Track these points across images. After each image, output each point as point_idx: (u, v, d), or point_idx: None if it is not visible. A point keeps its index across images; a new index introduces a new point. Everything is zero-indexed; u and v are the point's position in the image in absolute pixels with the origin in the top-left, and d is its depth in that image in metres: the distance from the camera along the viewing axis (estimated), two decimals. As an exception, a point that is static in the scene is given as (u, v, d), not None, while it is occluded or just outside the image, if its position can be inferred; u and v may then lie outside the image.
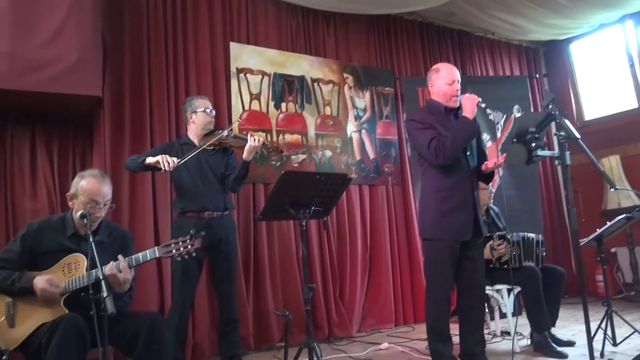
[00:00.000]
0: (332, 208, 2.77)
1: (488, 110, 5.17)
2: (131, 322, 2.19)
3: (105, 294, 1.91)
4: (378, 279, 4.63)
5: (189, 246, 2.23)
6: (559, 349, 3.23)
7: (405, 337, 4.11)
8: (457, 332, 2.85)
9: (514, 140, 2.37)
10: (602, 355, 3.05)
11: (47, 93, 3.00)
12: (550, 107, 2.37)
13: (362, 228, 4.63)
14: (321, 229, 4.32)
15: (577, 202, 5.65)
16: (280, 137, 4.32)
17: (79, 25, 3.10)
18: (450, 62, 5.33)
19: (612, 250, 5.38)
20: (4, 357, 1.61)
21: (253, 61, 4.29)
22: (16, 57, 2.90)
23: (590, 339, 2.25)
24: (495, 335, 3.85)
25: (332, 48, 4.81)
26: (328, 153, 4.56)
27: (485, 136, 5.14)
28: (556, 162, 2.34)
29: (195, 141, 3.19)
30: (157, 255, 2.23)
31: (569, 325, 4.08)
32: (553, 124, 2.85)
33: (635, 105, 5.50)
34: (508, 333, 3.77)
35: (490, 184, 3.80)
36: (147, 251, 2.25)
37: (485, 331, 3.74)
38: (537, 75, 6.12)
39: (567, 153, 2.28)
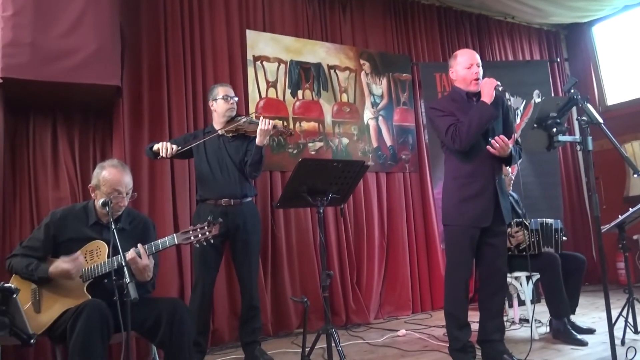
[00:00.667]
0: (349, 195, 2.77)
1: (507, 96, 5.08)
2: (153, 307, 2.23)
3: (127, 280, 1.95)
4: (395, 266, 4.63)
5: (207, 233, 2.25)
6: (579, 336, 3.21)
7: (422, 324, 4.12)
8: (476, 319, 2.85)
9: (535, 125, 2.33)
10: (622, 343, 3.02)
11: (68, 83, 3.04)
12: (572, 91, 2.32)
13: (379, 215, 4.63)
14: (338, 216, 4.33)
15: (599, 189, 5.55)
16: (297, 124, 4.32)
17: (98, 16, 3.13)
18: (468, 47, 5.30)
19: (634, 237, 5.28)
20: (32, 341, 1.65)
21: (269, 49, 4.28)
22: (37, 48, 2.94)
23: (611, 327, 2.23)
24: (513, 323, 3.83)
25: (348, 34, 4.77)
26: (345, 140, 4.54)
27: (504, 122, 5.06)
28: (578, 147, 2.28)
29: (218, 127, 3.22)
30: (176, 242, 2.26)
31: (589, 313, 4.04)
32: (574, 109, 2.79)
33: (660, 90, 5.37)
34: (527, 320, 3.75)
35: (510, 170, 3.76)
36: (167, 238, 2.28)
37: (504, 318, 3.74)
38: (558, 60, 6.01)
39: (589, 138, 2.23)
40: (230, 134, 3.15)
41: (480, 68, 2.79)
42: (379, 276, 4.54)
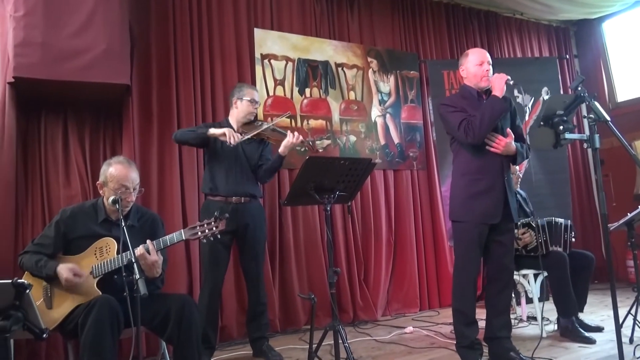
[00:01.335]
0: (356, 193, 2.78)
1: (516, 93, 5.07)
2: (162, 303, 2.26)
3: (137, 276, 1.98)
4: (403, 264, 4.64)
5: (214, 228, 2.28)
6: (587, 334, 3.20)
7: (430, 321, 4.12)
8: (483, 317, 2.85)
9: (541, 123, 2.33)
10: (631, 341, 3.01)
11: (78, 82, 3.08)
12: (579, 88, 2.31)
13: (386, 213, 4.64)
14: (346, 213, 4.35)
15: (608, 186, 5.52)
16: (305, 122, 4.34)
17: (107, 15, 3.16)
18: (477, 44, 5.29)
19: (644, 235, 5.24)
20: (44, 335, 1.69)
21: (277, 47, 4.30)
22: (48, 47, 2.98)
23: (618, 324, 2.22)
24: (521, 321, 3.83)
25: (356, 32, 4.78)
26: (352, 138, 4.55)
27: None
28: (585, 145, 2.28)
29: (235, 126, 3.24)
30: (184, 238, 2.29)
31: (597, 311, 4.03)
32: (585, 107, 2.78)
33: (671, 86, 5.31)
34: (534, 318, 3.74)
35: (518, 168, 3.75)
36: (174, 234, 2.31)
37: (512, 316, 3.74)
38: (568, 56, 5.96)
39: (597, 136, 2.23)
40: (249, 136, 3.16)
41: (491, 66, 2.80)
42: (386, 273, 4.55)
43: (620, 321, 3.04)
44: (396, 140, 4.78)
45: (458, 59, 3.04)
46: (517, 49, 5.71)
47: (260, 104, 4.09)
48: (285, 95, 4.30)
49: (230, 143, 2.97)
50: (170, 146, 3.69)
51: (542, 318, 3.36)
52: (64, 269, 2.20)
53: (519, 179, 3.77)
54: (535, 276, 3.56)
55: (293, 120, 4.27)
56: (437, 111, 3.16)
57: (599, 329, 3.39)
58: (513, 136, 2.71)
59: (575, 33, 6.23)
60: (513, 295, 4.01)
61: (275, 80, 4.27)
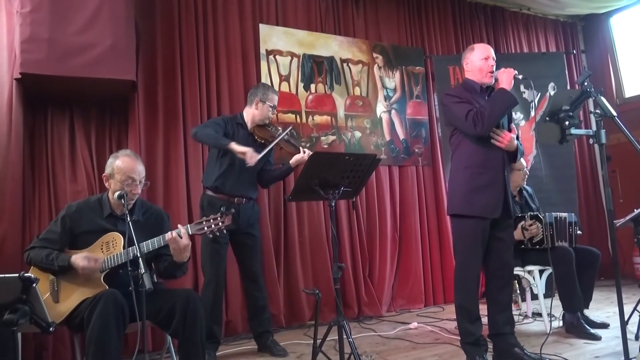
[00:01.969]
0: (361, 188, 2.78)
1: (522, 88, 5.04)
2: (167, 298, 2.27)
3: (142, 270, 1.99)
4: (408, 260, 4.64)
5: (220, 223, 2.29)
6: (592, 330, 3.19)
7: (434, 317, 4.13)
8: (484, 312, 2.85)
9: (547, 118, 2.31)
10: (637, 337, 3.00)
11: (84, 78, 3.10)
12: (585, 84, 2.30)
13: (391, 208, 4.63)
14: (350, 209, 4.35)
15: (615, 183, 5.49)
16: (310, 118, 4.34)
17: (113, 12, 3.18)
18: (483, 39, 5.27)
19: (652, 231, 5.21)
20: (51, 329, 1.71)
21: (282, 42, 4.30)
22: (54, 44, 3.00)
23: (623, 321, 2.21)
24: (526, 317, 3.82)
25: (361, 28, 4.77)
26: (357, 134, 4.55)
27: (519, 115, 5.02)
28: (591, 140, 2.27)
29: (249, 125, 3.27)
30: (190, 233, 2.30)
31: (603, 308, 4.01)
32: (591, 102, 2.76)
33: (680, 81, 5.26)
34: (539, 314, 3.74)
35: (525, 164, 3.74)
36: (181, 228, 2.32)
37: (517, 312, 3.74)
38: (575, 52, 5.92)
39: (603, 131, 2.21)
40: (263, 141, 3.20)
41: (495, 62, 2.79)
42: (391, 269, 4.55)
43: (626, 318, 3.05)
44: (401, 136, 4.77)
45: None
46: (524, 44, 5.68)
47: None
48: (290, 91, 4.30)
49: (249, 164, 2.99)
50: (175, 142, 3.70)
51: (549, 314, 3.36)
52: (79, 258, 2.21)
53: (526, 175, 3.75)
54: (541, 272, 3.55)
55: (298, 116, 4.27)
56: (440, 101, 3.13)
57: (604, 326, 3.38)
58: (516, 133, 2.70)
59: (583, 28, 6.18)
60: (518, 291, 4.02)
61: (280, 76, 4.27)
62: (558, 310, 3.55)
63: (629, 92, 5.78)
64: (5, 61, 3.15)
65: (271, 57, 4.24)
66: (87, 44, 3.09)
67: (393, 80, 4.83)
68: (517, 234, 3.38)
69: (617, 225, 3.34)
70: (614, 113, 2.21)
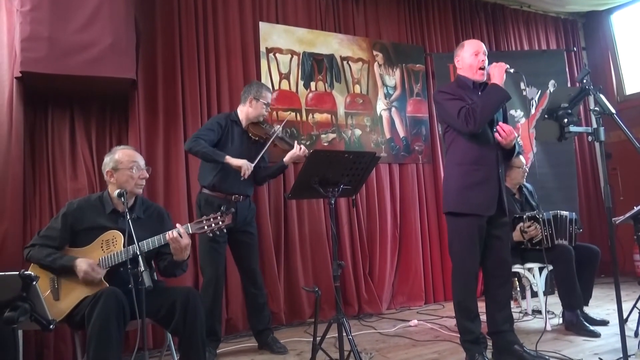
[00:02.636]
0: (360, 186, 2.78)
1: (523, 86, 5.04)
2: (167, 295, 2.28)
3: (142, 268, 2.00)
4: (408, 257, 4.65)
5: (220, 222, 2.29)
6: (591, 327, 3.20)
7: (434, 314, 4.13)
8: (482, 310, 2.85)
9: (546, 116, 2.31)
10: (636, 334, 3.01)
11: (84, 76, 3.11)
12: (585, 81, 2.30)
13: (391, 206, 4.64)
14: (351, 206, 4.35)
15: (616, 180, 5.49)
16: (310, 116, 4.34)
17: (113, 9, 3.18)
18: (483, 37, 5.26)
19: (652, 229, 5.21)
20: (51, 326, 1.72)
21: (282, 41, 4.30)
22: (55, 42, 3.01)
23: (621, 318, 2.21)
24: (526, 314, 3.83)
25: (361, 25, 4.77)
26: (358, 132, 4.55)
27: (519, 113, 5.02)
28: (590, 138, 2.27)
29: (244, 123, 3.29)
30: (190, 232, 2.31)
31: (603, 305, 4.02)
32: (592, 100, 2.76)
33: (681, 78, 5.25)
34: (539, 312, 3.74)
35: (524, 162, 3.74)
36: (180, 228, 2.32)
37: (517, 310, 3.74)
38: (575, 49, 5.91)
39: (602, 129, 2.21)
40: (256, 137, 3.23)
41: (486, 57, 2.77)
42: (391, 267, 4.56)
43: (626, 315, 3.06)
44: (402, 134, 4.78)
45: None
46: (524, 42, 5.67)
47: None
48: (290, 89, 4.30)
49: (244, 177, 3.03)
50: (176, 140, 3.71)
51: (547, 312, 3.36)
52: (83, 262, 2.23)
53: (525, 173, 3.75)
54: (540, 270, 3.55)
55: (298, 114, 4.28)
56: (434, 99, 3.11)
57: (604, 323, 3.38)
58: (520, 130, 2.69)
59: (584, 25, 6.17)
60: (518, 289, 4.02)
61: (280, 74, 4.27)
62: (558, 308, 3.55)
63: (629, 89, 5.76)
64: (6, 60, 3.16)
65: (271, 55, 4.24)
66: (87, 42, 3.09)
67: (393, 78, 4.83)
68: (517, 236, 3.38)
69: (617, 222, 3.35)
70: (613, 110, 2.21)
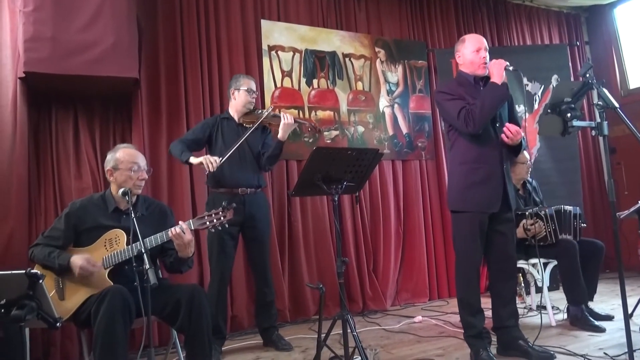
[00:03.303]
0: (364, 183, 2.78)
1: (526, 81, 5.02)
2: (173, 293, 2.29)
3: (147, 266, 2.01)
4: (412, 253, 4.65)
5: (222, 218, 2.30)
6: (596, 322, 3.20)
7: (439, 310, 4.14)
8: (488, 306, 2.85)
9: (549, 110, 2.30)
10: (641, 329, 3.00)
11: (87, 76, 3.11)
12: (587, 75, 2.29)
13: (395, 203, 4.64)
14: (354, 203, 4.36)
15: (620, 175, 5.47)
16: (313, 113, 4.34)
17: (115, 9, 3.19)
18: (485, 32, 5.24)
19: (657, 223, 5.19)
20: (58, 324, 1.73)
21: (284, 38, 4.30)
22: (58, 42, 3.02)
23: (626, 313, 2.21)
24: (530, 309, 3.83)
25: (363, 22, 4.76)
26: (360, 129, 4.55)
27: (522, 108, 5.01)
28: (593, 132, 2.26)
29: (236, 117, 3.30)
30: (192, 228, 2.32)
31: (608, 300, 4.01)
32: (595, 94, 2.74)
33: (685, 72, 5.22)
34: (544, 307, 3.74)
35: (529, 157, 3.73)
36: (182, 224, 2.33)
37: (521, 305, 3.74)
38: (578, 43, 5.88)
39: (605, 123, 2.20)
40: (251, 125, 3.21)
41: (487, 53, 2.76)
42: (395, 263, 4.56)
43: (631, 310, 3.05)
44: (404, 130, 4.77)
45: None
46: (527, 37, 5.65)
47: (267, 96, 4.13)
48: (292, 86, 4.30)
49: (209, 170, 3.01)
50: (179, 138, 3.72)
51: (552, 307, 3.36)
52: (78, 258, 2.24)
53: (530, 169, 3.74)
54: (545, 265, 3.55)
55: (301, 112, 4.28)
56: (434, 99, 3.09)
57: (609, 318, 3.38)
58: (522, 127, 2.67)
59: (587, 19, 6.14)
60: (522, 284, 4.02)
61: (282, 71, 4.27)
62: (562, 303, 3.55)
63: (633, 83, 5.74)
64: (9, 60, 3.17)
65: (273, 52, 4.24)
66: (89, 42, 3.10)
67: (395, 74, 4.82)
68: (520, 233, 3.37)
69: (621, 216, 3.34)
70: (616, 104, 2.20)
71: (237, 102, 3.30)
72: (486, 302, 2.78)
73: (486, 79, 2.74)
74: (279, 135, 3.17)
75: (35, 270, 1.73)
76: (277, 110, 3.73)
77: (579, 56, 5.88)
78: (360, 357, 2.38)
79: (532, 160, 4.56)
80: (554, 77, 5.11)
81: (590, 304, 3.44)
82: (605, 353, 2.67)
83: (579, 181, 5.13)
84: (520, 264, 3.52)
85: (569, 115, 2.21)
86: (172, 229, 2.28)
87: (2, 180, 3.05)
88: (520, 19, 5.65)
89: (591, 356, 2.65)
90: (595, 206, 5.67)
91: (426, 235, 4.73)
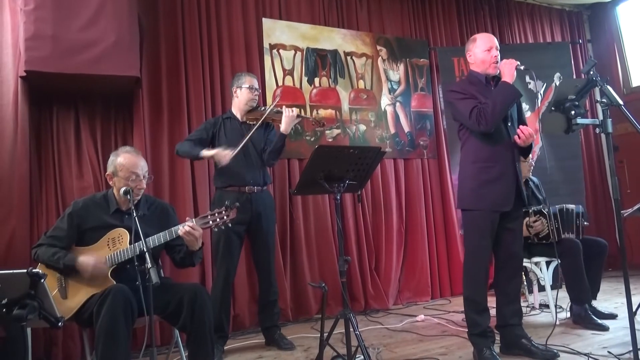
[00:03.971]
0: (366, 182, 2.77)
1: (528, 79, 5.00)
2: (175, 292, 2.29)
3: (149, 265, 2.00)
4: (414, 252, 4.64)
5: (225, 217, 2.29)
6: (600, 321, 3.18)
7: (441, 309, 4.13)
8: (492, 304, 2.84)
9: (552, 108, 2.29)
10: (645, 328, 2.98)
11: (89, 75, 3.11)
12: (591, 72, 2.27)
13: (397, 201, 4.63)
14: (356, 202, 4.35)
15: (623, 173, 5.45)
16: (314, 112, 4.33)
17: (116, 8, 3.18)
18: (487, 30, 5.22)
19: (659, 221, 5.17)
20: (60, 324, 1.72)
21: (285, 37, 4.29)
22: (59, 41, 3.01)
23: (631, 311, 2.20)
24: (533, 308, 3.82)
25: (365, 20, 4.75)
26: (362, 127, 4.54)
27: (525, 106, 4.99)
28: (597, 130, 2.25)
29: (239, 116, 3.30)
30: (195, 227, 2.31)
31: (611, 299, 4.00)
32: (599, 92, 2.73)
33: (688, 70, 5.20)
34: (547, 306, 3.73)
35: (530, 155, 3.71)
36: (186, 223, 2.33)
37: (524, 304, 3.73)
38: (581, 41, 5.86)
39: (609, 120, 2.19)
40: (255, 122, 3.21)
41: (499, 52, 2.75)
42: (397, 262, 4.55)
43: (635, 308, 3.03)
44: (406, 128, 4.76)
45: (468, 45, 2.97)
46: (529, 35, 5.63)
47: (269, 95, 4.12)
48: (294, 85, 4.29)
49: (222, 163, 3.03)
50: (180, 136, 3.70)
51: (555, 305, 3.34)
52: (90, 258, 2.24)
53: (532, 167, 3.73)
54: (548, 264, 3.53)
55: (302, 110, 4.27)
56: (445, 98, 3.09)
57: (612, 316, 3.36)
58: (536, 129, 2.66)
59: (589, 17, 6.11)
60: (525, 283, 4.01)
61: (284, 70, 4.26)
62: (566, 302, 3.53)
63: (635, 81, 5.71)
64: (10, 59, 3.17)
65: (274, 51, 4.23)
66: (90, 40, 3.09)
67: (397, 72, 4.81)
68: (523, 231, 3.36)
69: (625, 215, 3.33)
70: (620, 102, 2.19)
71: (240, 100, 3.30)
72: (490, 301, 2.77)
73: (497, 78, 2.74)
74: (282, 128, 3.16)
75: (37, 269, 1.72)
76: (279, 105, 3.73)
77: (581, 54, 5.86)
78: (362, 356, 2.37)
79: (534, 159, 4.55)
80: (556, 75, 5.09)
81: (594, 303, 3.42)
82: (609, 352, 2.66)
83: (582, 179, 5.11)
84: (523, 262, 3.50)
85: (573, 112, 2.20)
86: (181, 226, 2.27)
87: (3, 180, 3.05)
88: (522, 16, 5.63)
89: (595, 355, 2.64)
90: (597, 204, 5.65)
91: (428, 233, 4.72)
